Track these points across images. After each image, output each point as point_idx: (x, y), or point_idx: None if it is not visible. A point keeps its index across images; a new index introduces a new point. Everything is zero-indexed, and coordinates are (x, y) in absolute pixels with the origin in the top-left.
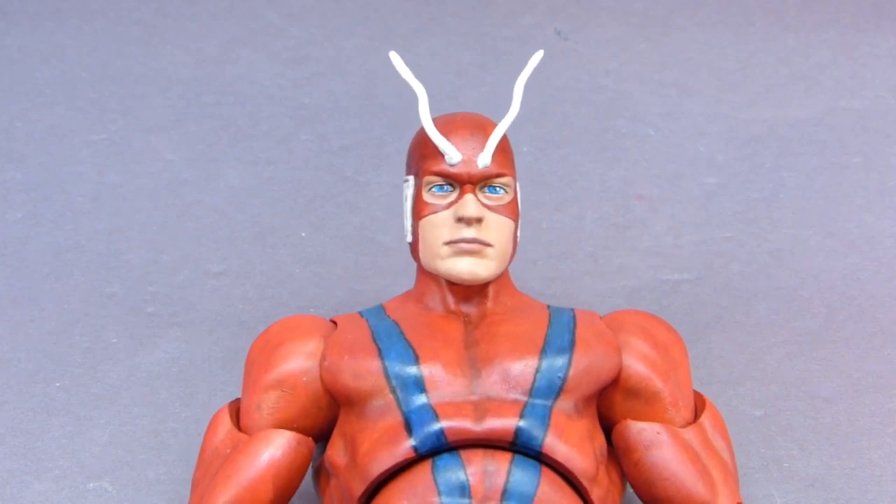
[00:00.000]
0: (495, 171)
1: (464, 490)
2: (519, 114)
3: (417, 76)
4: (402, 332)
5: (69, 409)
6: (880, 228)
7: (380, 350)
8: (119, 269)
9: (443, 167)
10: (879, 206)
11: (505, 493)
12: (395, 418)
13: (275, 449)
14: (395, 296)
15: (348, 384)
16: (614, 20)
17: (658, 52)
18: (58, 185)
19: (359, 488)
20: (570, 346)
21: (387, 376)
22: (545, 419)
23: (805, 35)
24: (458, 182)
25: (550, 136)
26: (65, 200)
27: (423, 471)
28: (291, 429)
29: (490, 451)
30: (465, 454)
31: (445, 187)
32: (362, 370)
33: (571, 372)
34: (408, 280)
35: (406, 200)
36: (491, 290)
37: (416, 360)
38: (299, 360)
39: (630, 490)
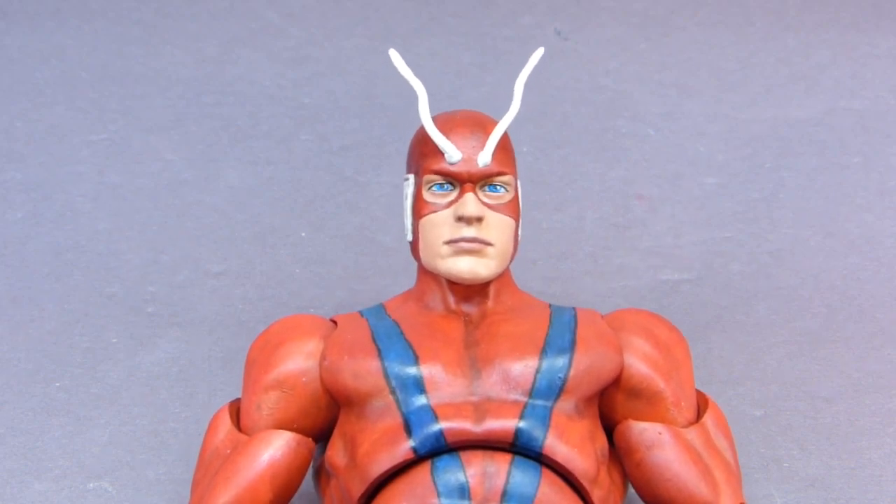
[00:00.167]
0: (496, 169)
1: (463, 491)
2: (519, 113)
3: (417, 76)
4: (401, 332)
5: (69, 409)
6: (880, 228)
7: (379, 350)
8: (119, 269)
9: (443, 166)
10: (879, 206)
11: (505, 495)
12: (395, 419)
13: (274, 450)
14: (395, 295)
15: (348, 384)
16: (614, 20)
17: (658, 52)
18: (58, 185)
19: (358, 489)
20: (571, 347)
21: (386, 377)
22: (545, 420)
23: (805, 35)
24: (459, 181)
25: (550, 136)
26: (65, 200)
27: (423, 472)
28: (291, 429)
29: (490, 453)
30: (464, 455)
31: (446, 186)
32: (362, 370)
33: (572, 372)
34: (408, 280)
35: (406, 199)
36: (492, 290)
37: (416, 360)
38: (299, 360)
39: (632, 491)
